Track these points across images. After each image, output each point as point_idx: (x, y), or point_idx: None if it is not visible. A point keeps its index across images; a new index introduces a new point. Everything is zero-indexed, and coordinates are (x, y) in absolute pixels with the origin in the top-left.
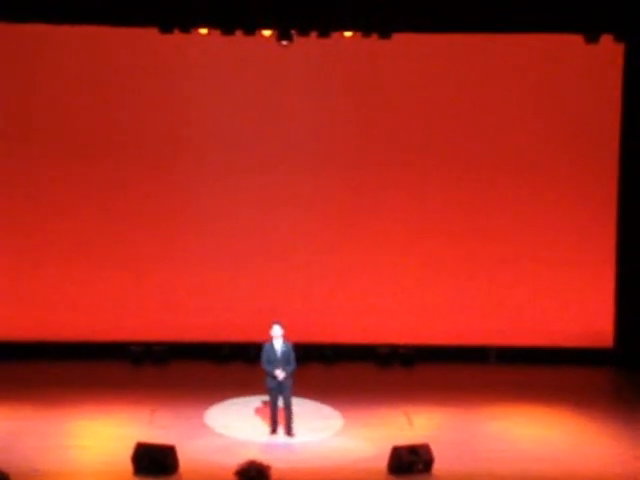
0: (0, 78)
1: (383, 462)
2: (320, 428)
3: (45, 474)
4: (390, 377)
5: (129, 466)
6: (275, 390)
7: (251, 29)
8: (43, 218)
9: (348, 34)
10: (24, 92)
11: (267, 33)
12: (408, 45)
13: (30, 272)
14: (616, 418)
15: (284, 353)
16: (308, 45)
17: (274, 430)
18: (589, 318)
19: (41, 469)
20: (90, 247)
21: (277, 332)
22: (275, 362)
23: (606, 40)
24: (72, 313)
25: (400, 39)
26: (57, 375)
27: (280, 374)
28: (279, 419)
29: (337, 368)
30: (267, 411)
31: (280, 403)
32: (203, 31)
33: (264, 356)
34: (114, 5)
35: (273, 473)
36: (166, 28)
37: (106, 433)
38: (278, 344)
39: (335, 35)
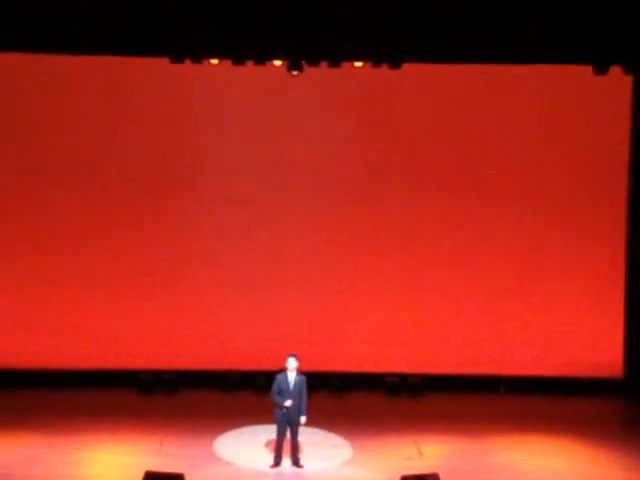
0: (13, 107)
1: None
2: (329, 457)
3: None
4: (399, 406)
5: None
6: (283, 421)
7: (262, 59)
8: (53, 247)
9: (358, 64)
10: (35, 120)
11: (278, 63)
12: (418, 75)
13: (40, 301)
14: (626, 448)
15: (297, 385)
16: (318, 75)
17: (277, 463)
18: (599, 348)
19: None
20: (100, 276)
21: (292, 364)
22: (287, 394)
23: (615, 71)
24: (81, 341)
25: (410, 69)
26: (66, 403)
27: (289, 404)
28: (285, 451)
29: (346, 397)
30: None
31: (287, 435)
32: (214, 61)
33: (275, 387)
34: (125, 35)
35: None
36: (177, 58)
37: (115, 461)
38: (292, 376)
39: (345, 65)
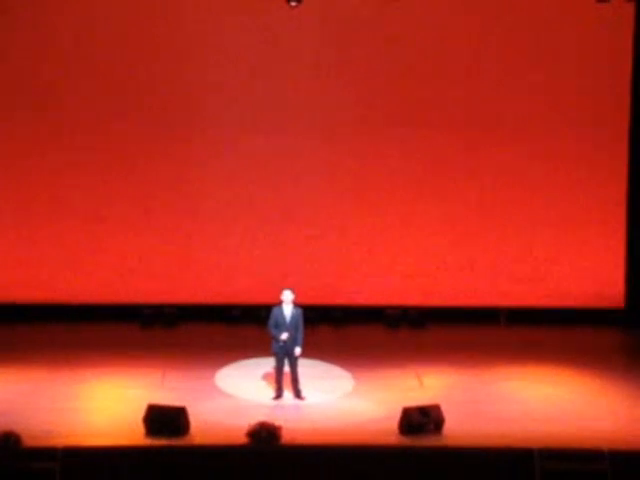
0: (7, 39)
1: (394, 423)
2: (331, 389)
3: (56, 435)
4: (400, 339)
5: (141, 427)
6: (280, 354)
7: None
8: (57, 183)
9: None
10: (30, 54)
11: None
12: (418, 4)
13: (42, 235)
14: (627, 378)
15: (293, 318)
16: (317, 6)
17: (279, 395)
18: (600, 278)
19: (52, 430)
20: (102, 210)
21: (288, 297)
22: (283, 326)
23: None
24: (84, 275)
25: None
26: (68, 337)
27: (285, 336)
28: (285, 384)
29: (347, 330)
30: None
31: (286, 368)
32: None
33: (272, 320)
34: None
35: (284, 434)
36: None
37: (117, 394)
38: (288, 309)
39: None
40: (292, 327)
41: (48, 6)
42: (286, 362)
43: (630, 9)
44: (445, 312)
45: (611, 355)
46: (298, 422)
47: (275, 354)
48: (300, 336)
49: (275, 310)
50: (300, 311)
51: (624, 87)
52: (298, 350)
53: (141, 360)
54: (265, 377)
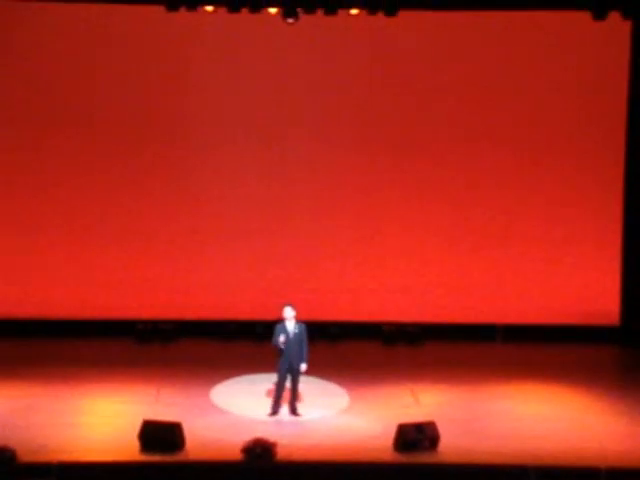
0: (8, 54)
1: (389, 439)
2: (326, 406)
3: (52, 451)
4: (396, 355)
5: (136, 443)
6: (283, 370)
7: (257, 7)
8: (50, 195)
9: (354, 12)
10: (31, 69)
11: (273, 11)
12: (414, 23)
13: (38, 250)
14: (621, 396)
15: (297, 334)
16: (314, 23)
17: (274, 412)
18: (595, 296)
19: (48, 446)
20: (97, 225)
21: (289, 314)
22: (287, 343)
23: (614, 17)
24: (79, 291)
25: (406, 17)
26: (64, 353)
27: (283, 339)
28: (283, 400)
29: (343, 346)
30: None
31: (288, 384)
32: (209, 8)
33: (275, 336)
34: None
35: (279, 450)
36: (172, 5)
37: (113, 410)
38: (290, 325)
39: (341, 12)
40: (296, 343)
41: (46, 20)
42: (288, 378)
43: (627, 27)
44: (442, 329)
45: (607, 373)
46: (293, 438)
47: (278, 370)
48: (305, 351)
49: (278, 327)
50: (304, 327)
51: (621, 103)
52: (304, 366)
53: (137, 376)
54: (261, 393)
